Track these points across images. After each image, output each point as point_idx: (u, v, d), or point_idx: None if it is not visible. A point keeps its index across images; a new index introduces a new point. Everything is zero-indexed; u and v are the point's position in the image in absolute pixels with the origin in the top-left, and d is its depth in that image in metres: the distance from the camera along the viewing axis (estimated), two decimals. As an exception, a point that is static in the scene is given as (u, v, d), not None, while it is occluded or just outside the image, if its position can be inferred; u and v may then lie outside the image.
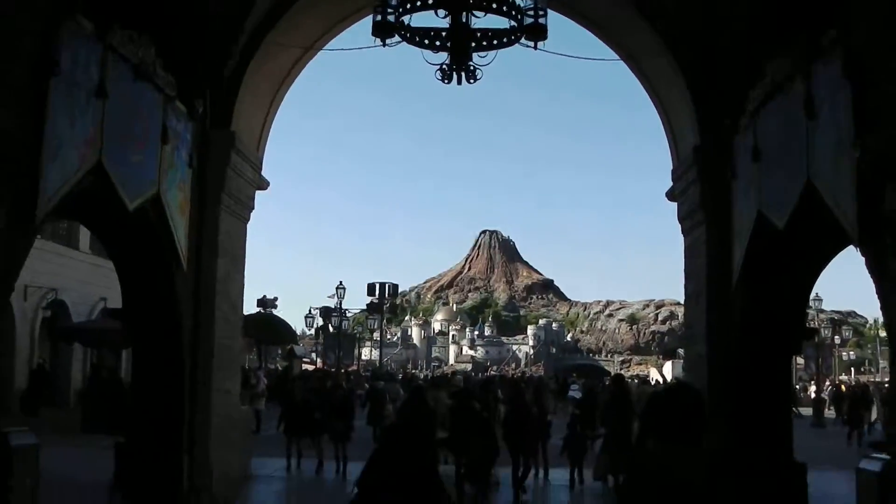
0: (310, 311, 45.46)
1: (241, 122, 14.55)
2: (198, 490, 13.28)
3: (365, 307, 54.50)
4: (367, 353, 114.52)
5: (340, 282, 41.74)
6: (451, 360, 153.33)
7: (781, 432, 12.66)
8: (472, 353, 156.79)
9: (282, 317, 47.09)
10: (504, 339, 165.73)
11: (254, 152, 15.44)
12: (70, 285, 32.69)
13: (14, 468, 7.85)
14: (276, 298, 50.18)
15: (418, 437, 4.95)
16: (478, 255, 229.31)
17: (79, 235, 32.60)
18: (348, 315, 45.44)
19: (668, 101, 15.02)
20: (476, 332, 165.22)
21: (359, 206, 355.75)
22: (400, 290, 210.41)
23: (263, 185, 16.21)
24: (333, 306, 42.85)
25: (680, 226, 15.03)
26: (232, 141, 14.04)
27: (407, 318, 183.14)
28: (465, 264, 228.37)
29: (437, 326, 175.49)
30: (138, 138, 11.06)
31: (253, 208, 15.80)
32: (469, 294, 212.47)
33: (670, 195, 15.50)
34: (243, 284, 15.78)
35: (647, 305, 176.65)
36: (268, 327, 37.52)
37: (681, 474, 4.06)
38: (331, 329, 44.12)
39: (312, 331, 56.81)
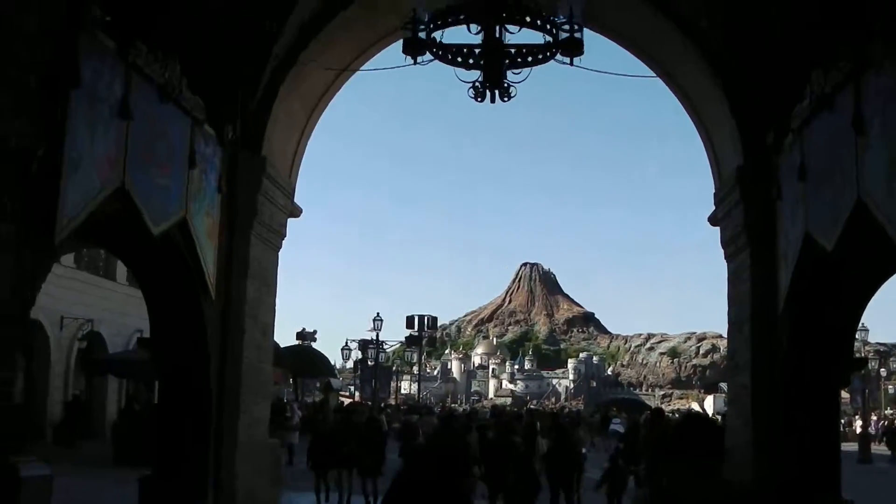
0: (346, 343, 45.14)
1: (274, 147, 14.34)
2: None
3: (403, 340, 54.38)
4: (407, 386, 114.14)
5: (378, 313, 41.74)
6: (491, 394, 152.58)
7: (828, 468, 12.07)
8: (511, 386, 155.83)
9: (320, 350, 47.06)
10: (544, 372, 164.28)
11: (286, 178, 15.21)
12: (106, 316, 32.70)
13: (20, 500, 7.50)
14: (315, 332, 50.10)
15: (449, 461, 4.70)
16: (518, 287, 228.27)
17: (115, 266, 32.66)
18: (386, 348, 45.15)
19: (708, 119, 14.59)
20: (516, 366, 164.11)
21: (399, 239, 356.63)
22: (440, 323, 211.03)
23: (296, 212, 15.97)
24: (370, 339, 42.52)
25: (723, 251, 14.55)
26: (263, 166, 13.81)
27: (447, 351, 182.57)
28: (505, 297, 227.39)
29: (476, 360, 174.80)
30: (164, 161, 10.83)
31: (285, 236, 15.55)
32: (509, 327, 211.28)
33: (713, 219, 15.02)
34: (274, 310, 15.49)
35: (689, 338, 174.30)
36: (305, 360, 37.30)
37: (703, 500, 3.99)
38: (368, 362, 43.75)
39: (350, 363, 56.54)
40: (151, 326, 13.00)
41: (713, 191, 14.92)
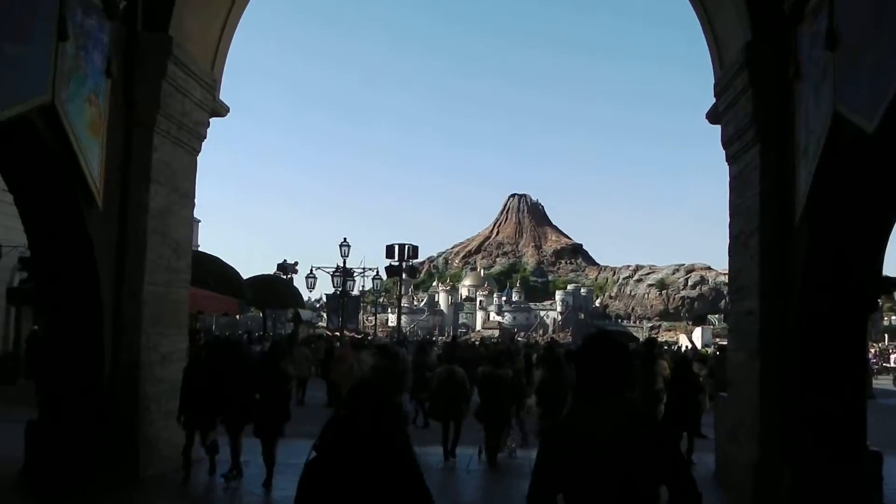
0: (311, 271, 42.06)
1: (186, 29, 11.90)
2: (122, 472, 10.72)
3: (375, 270, 51.98)
4: (395, 318, 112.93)
5: (345, 238, 38.41)
6: (479, 327, 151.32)
7: (852, 412, 9.90)
8: (499, 319, 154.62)
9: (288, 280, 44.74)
10: (532, 304, 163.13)
11: (204, 68, 12.74)
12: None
13: None
14: (296, 263, 47.62)
15: (381, 396, 4.27)
16: (506, 219, 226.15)
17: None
18: (365, 276, 42.42)
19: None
20: (504, 298, 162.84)
21: (387, 169, 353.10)
22: (428, 255, 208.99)
23: (220, 111, 13.54)
24: (336, 266, 39.81)
25: (725, 153, 12.24)
26: (168, 48, 11.35)
27: (434, 283, 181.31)
28: (493, 229, 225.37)
29: (464, 292, 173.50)
30: (15, 25, 8.39)
31: (204, 137, 13.15)
32: (497, 259, 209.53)
33: (712, 115, 12.70)
34: (190, 225, 13.22)
35: (677, 270, 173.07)
36: (269, 291, 34.80)
37: (587, 430, 3.69)
38: (334, 291, 41.04)
39: (319, 294, 53.63)
40: (29, 242, 10.66)
41: (712, 82, 12.56)
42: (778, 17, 10.08)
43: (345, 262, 39.04)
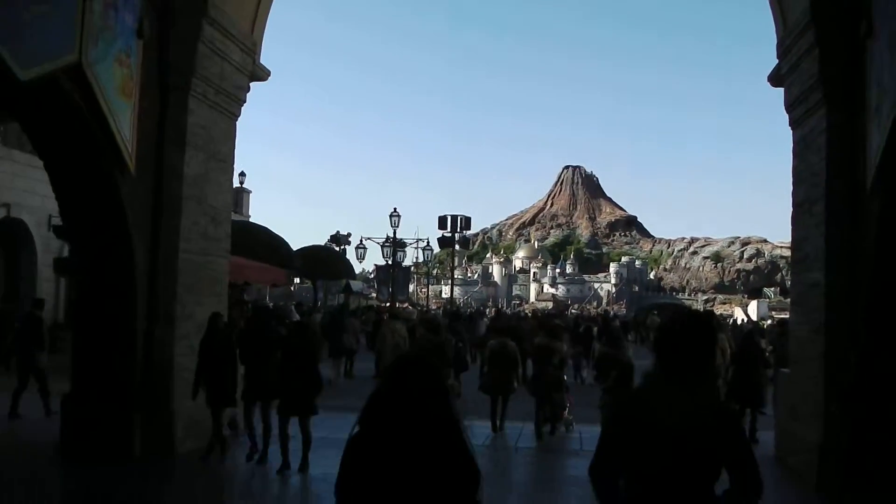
0: (361, 241, 41.43)
1: (224, -10, 11.44)
2: (157, 447, 10.42)
3: (426, 241, 51.31)
4: (448, 290, 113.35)
5: (395, 209, 37.57)
6: (532, 298, 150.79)
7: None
8: (553, 290, 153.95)
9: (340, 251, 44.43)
10: (586, 277, 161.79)
11: (243, 30, 12.29)
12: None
13: None
14: (349, 234, 47.15)
15: (426, 369, 3.91)
16: (560, 191, 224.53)
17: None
18: (408, 247, 41.69)
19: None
20: (557, 270, 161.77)
21: (442, 139, 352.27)
22: (482, 227, 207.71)
23: (261, 74, 13.10)
24: (386, 236, 39.29)
25: (788, 117, 11.54)
26: (204, 8, 10.92)
27: (488, 255, 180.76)
28: (547, 200, 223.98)
29: (517, 264, 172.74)
30: (37, -19, 8.02)
31: (244, 101, 12.72)
32: (551, 231, 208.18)
33: (774, 78, 12.01)
34: (230, 192, 12.80)
35: (733, 243, 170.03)
36: (320, 262, 34.46)
37: (657, 410, 3.56)
38: (388, 263, 40.37)
39: (368, 265, 52.56)
40: (61, 209, 10.35)
41: (774, 43, 11.84)
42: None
43: (395, 233, 38.55)
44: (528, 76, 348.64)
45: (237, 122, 12.60)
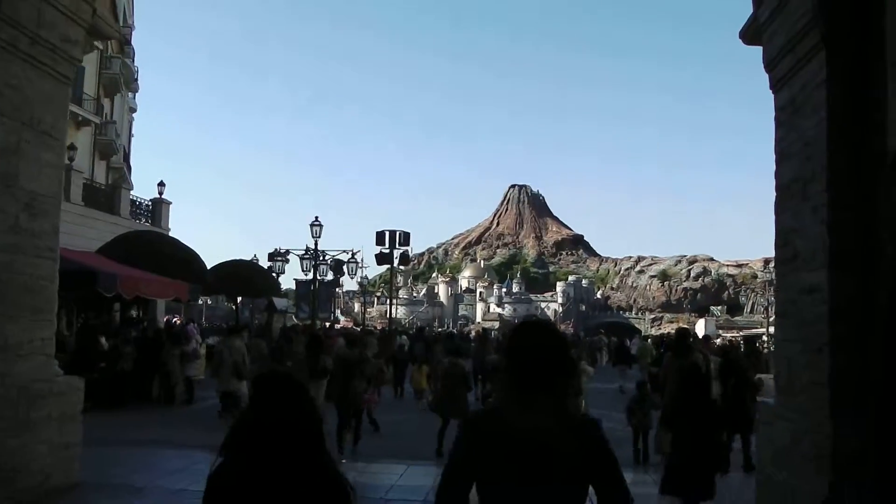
0: (276, 251, 37.70)
1: None
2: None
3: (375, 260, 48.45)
4: (394, 311, 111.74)
5: (316, 217, 34.46)
6: (479, 318, 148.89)
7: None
8: (499, 310, 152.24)
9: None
10: (532, 296, 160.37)
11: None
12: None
13: None
14: (287, 252, 44.38)
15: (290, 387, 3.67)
16: (507, 210, 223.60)
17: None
18: (327, 259, 38.23)
19: None
20: (504, 290, 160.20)
21: (386, 158, 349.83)
22: (428, 246, 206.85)
23: (106, 30, 10.36)
24: (306, 248, 35.73)
25: (769, 77, 9.09)
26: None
27: (434, 275, 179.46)
28: (493, 220, 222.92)
29: (464, 283, 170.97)
30: None
31: (79, 60, 9.97)
32: (497, 250, 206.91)
33: (748, 31, 9.59)
34: (60, 175, 9.98)
35: (679, 261, 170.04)
36: (239, 278, 31.33)
37: (522, 438, 3.33)
38: (304, 276, 36.93)
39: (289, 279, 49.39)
40: None
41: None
42: None
43: (316, 244, 35.34)
44: (472, 96, 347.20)
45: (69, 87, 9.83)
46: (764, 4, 8.91)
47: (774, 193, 8.92)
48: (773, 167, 8.90)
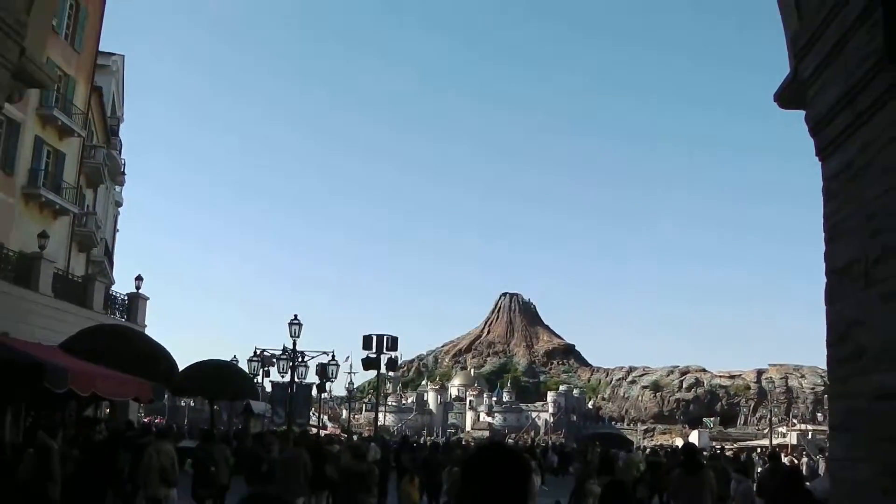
0: (255, 352, 35.89)
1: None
2: None
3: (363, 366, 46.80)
4: (382, 418, 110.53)
5: (295, 315, 33.32)
6: (468, 427, 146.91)
7: None
8: (489, 419, 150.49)
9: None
10: (523, 405, 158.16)
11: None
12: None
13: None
14: (264, 352, 42.85)
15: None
16: (497, 318, 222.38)
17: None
18: (306, 360, 36.45)
19: None
20: (494, 398, 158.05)
21: (373, 263, 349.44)
22: (417, 353, 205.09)
23: (38, 76, 8.90)
24: (283, 348, 33.80)
25: (815, 142, 7.66)
26: None
27: (423, 382, 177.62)
28: (483, 328, 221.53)
29: (453, 391, 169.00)
30: None
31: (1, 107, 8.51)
32: (488, 359, 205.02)
33: (786, 91, 8.19)
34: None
35: (671, 372, 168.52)
36: (216, 378, 29.40)
37: None
38: (280, 378, 35.03)
39: (266, 380, 47.53)
40: None
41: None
42: None
43: (295, 344, 33.59)
44: (455, 214, 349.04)
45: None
46: (809, 56, 7.53)
47: (825, 279, 7.38)
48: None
